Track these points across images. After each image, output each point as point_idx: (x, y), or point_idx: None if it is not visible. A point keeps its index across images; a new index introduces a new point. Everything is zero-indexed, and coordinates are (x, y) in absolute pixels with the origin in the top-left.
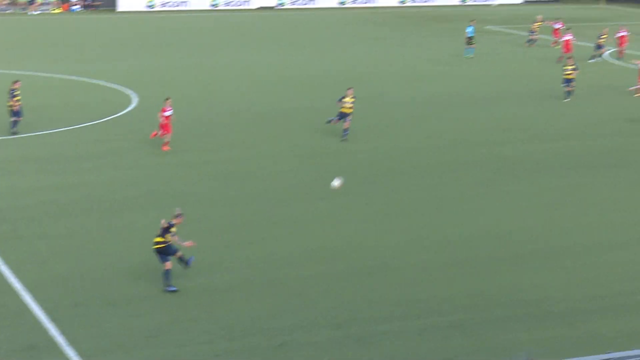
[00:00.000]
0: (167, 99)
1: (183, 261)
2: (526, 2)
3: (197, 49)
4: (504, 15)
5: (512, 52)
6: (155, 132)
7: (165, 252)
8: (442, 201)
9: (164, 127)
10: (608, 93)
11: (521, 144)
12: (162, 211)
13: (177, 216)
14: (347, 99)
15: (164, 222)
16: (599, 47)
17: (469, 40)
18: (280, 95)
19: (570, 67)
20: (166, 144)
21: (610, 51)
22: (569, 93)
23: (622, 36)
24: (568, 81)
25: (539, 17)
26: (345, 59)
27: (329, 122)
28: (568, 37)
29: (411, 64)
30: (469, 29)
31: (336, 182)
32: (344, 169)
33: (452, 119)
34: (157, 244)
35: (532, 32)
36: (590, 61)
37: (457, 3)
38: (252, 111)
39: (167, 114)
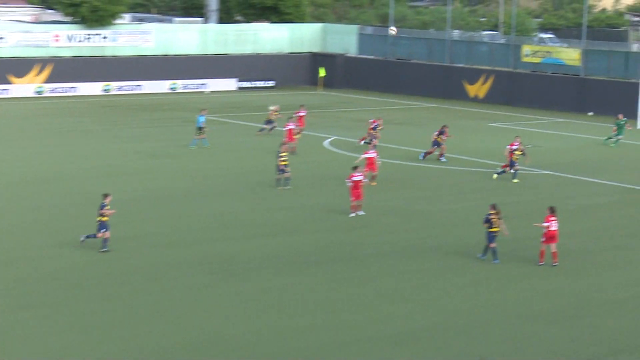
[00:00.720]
0: None
1: None
2: (240, 89)
3: None
4: (218, 103)
5: (230, 143)
6: None
7: None
8: (157, 307)
9: None
10: (330, 183)
11: (240, 241)
12: None
13: None
14: (107, 207)
15: None
16: (374, 137)
17: (200, 131)
18: None
19: (284, 155)
20: None
21: (331, 139)
22: (287, 180)
23: (374, 121)
24: (283, 169)
25: (275, 106)
26: (44, 156)
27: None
28: (291, 125)
29: (119, 158)
30: (201, 119)
31: (392, 31)
32: (44, 275)
33: (166, 217)
34: None
35: (269, 121)
36: (362, 143)
37: (167, 91)
38: None
39: None
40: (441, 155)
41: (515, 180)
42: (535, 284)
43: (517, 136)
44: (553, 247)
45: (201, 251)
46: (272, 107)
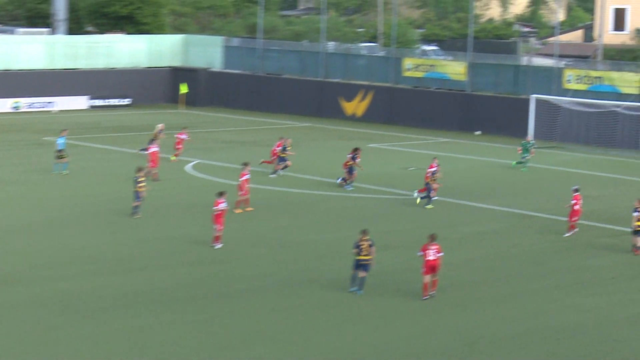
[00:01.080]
0: None
1: None
2: (92, 107)
3: None
4: (67, 123)
5: (82, 168)
6: None
7: None
8: None
9: None
10: (193, 212)
11: (95, 277)
12: None
13: None
14: None
15: None
16: (282, 159)
17: (60, 154)
18: None
19: (142, 180)
20: None
21: (194, 163)
22: (137, 207)
23: (279, 144)
24: (138, 195)
25: (161, 125)
26: None
27: None
28: (154, 148)
29: None
30: (60, 141)
31: None
32: None
33: (8, 252)
34: None
35: (152, 140)
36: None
37: (9, 110)
38: None
39: None
40: (347, 182)
41: (429, 206)
42: (419, 320)
43: (435, 157)
44: (435, 275)
45: (49, 289)
46: (158, 126)
